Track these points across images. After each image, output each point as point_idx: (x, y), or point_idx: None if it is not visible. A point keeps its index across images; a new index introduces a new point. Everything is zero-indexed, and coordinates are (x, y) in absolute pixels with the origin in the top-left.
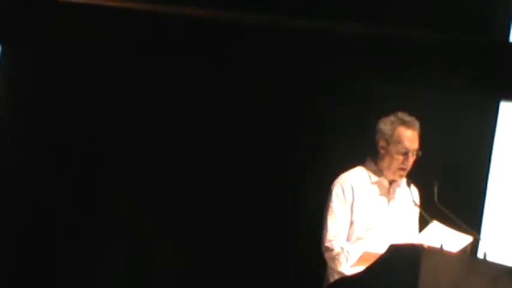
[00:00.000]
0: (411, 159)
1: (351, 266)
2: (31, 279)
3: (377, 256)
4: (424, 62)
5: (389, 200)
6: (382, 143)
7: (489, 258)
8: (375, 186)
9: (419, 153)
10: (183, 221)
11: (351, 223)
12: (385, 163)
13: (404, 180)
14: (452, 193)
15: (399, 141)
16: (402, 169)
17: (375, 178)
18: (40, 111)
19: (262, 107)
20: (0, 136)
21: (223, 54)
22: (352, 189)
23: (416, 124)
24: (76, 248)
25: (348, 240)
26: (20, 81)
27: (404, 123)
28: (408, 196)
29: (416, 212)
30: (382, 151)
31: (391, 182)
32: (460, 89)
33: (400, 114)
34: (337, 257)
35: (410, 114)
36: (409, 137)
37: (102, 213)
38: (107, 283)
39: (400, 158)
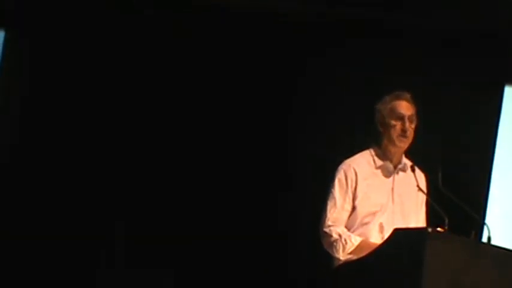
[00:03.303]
0: (409, 125)
1: (348, 254)
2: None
3: (374, 246)
4: (428, 48)
5: (394, 185)
6: (380, 120)
7: (493, 243)
8: (380, 171)
9: (417, 122)
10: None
11: (354, 208)
12: (386, 138)
13: (409, 165)
14: (457, 178)
15: (394, 110)
16: (403, 135)
17: (379, 162)
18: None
19: (268, 99)
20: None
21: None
22: (356, 174)
23: (407, 95)
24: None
25: (352, 225)
26: (22, 69)
27: (395, 96)
28: (413, 181)
29: (422, 196)
30: (381, 128)
31: (395, 166)
32: (464, 74)
33: (393, 93)
34: (334, 243)
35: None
36: (403, 104)
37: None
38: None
39: (398, 124)
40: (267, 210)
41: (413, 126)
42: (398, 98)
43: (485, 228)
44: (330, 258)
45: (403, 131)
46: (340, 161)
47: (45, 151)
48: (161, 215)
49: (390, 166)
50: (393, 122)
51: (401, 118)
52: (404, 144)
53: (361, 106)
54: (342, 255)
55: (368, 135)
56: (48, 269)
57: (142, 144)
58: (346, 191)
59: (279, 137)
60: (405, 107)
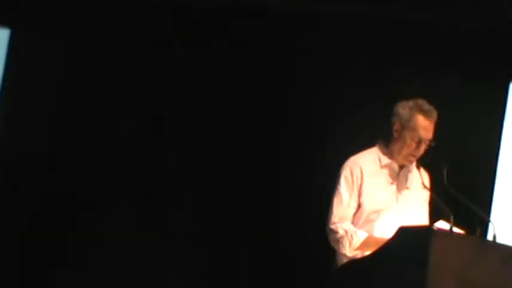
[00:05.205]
0: (423, 147)
1: (354, 250)
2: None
3: (381, 242)
4: (433, 44)
5: (399, 183)
6: (397, 127)
7: (498, 240)
8: (385, 170)
9: (432, 144)
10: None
11: (359, 205)
12: (396, 146)
13: (414, 163)
14: (462, 176)
15: (414, 129)
16: (413, 155)
17: (385, 161)
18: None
19: (273, 94)
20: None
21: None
22: (361, 171)
23: (434, 114)
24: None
25: (356, 222)
26: (28, 68)
27: (422, 112)
28: (418, 179)
29: (426, 195)
30: (395, 134)
31: (401, 166)
32: (469, 71)
33: (420, 102)
34: (340, 240)
35: (430, 103)
36: (425, 126)
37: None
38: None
39: (413, 145)
40: (267, 211)
41: (427, 147)
42: (424, 113)
43: (490, 225)
44: (335, 256)
45: (413, 156)
46: (339, 161)
47: (47, 149)
48: (161, 215)
49: (395, 166)
50: (409, 141)
51: (418, 141)
52: (413, 159)
53: (360, 105)
54: (349, 251)
55: (377, 132)
56: (50, 268)
57: (144, 143)
58: (352, 188)
59: (278, 137)
60: (428, 130)
